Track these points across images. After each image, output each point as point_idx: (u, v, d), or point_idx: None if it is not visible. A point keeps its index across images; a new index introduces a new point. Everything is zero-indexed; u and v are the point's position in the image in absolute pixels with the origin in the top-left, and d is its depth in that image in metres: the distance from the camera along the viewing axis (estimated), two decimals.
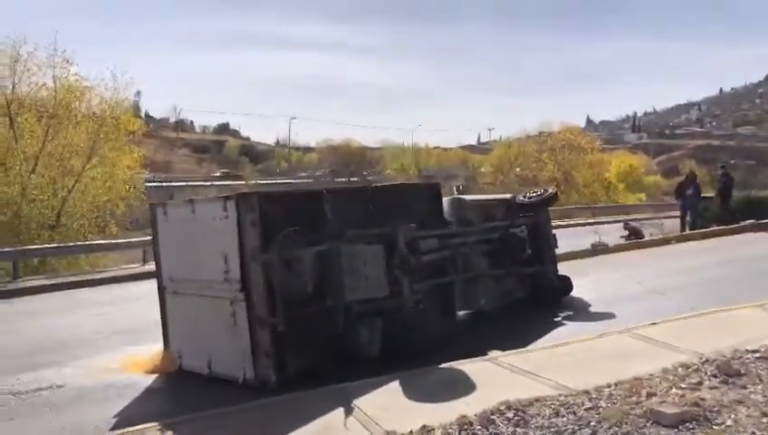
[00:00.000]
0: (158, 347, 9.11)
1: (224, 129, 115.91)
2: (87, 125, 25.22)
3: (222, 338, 7.78)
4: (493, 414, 5.27)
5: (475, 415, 5.36)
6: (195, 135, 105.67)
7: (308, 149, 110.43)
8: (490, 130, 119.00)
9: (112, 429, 6.38)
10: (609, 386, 5.59)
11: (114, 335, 10.72)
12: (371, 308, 8.05)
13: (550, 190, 11.48)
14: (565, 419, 4.91)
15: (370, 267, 7.96)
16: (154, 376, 8.25)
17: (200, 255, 8.00)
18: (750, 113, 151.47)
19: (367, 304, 7.99)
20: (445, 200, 9.88)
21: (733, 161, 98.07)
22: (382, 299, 8.09)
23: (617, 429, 4.63)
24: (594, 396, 5.34)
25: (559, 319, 9.48)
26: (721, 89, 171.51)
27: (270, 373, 7.33)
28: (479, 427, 5.10)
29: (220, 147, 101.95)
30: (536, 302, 10.47)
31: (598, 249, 15.51)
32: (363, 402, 6.23)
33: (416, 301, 8.40)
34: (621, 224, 19.82)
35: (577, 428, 4.66)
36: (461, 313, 9.98)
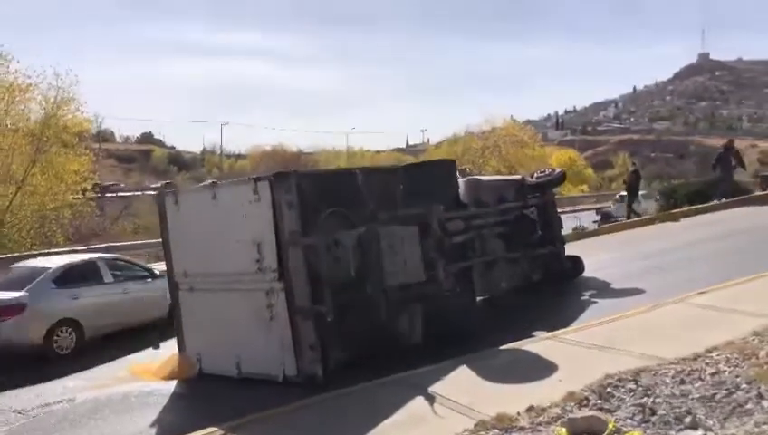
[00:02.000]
0: (164, 352, 8.38)
1: (147, 138, 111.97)
2: (30, 127, 23.03)
3: (254, 334, 7.10)
4: (606, 387, 4.90)
5: (585, 390, 4.99)
6: (117, 145, 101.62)
7: (239, 156, 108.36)
8: (423, 130, 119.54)
9: None
10: (712, 351, 5.32)
11: (99, 344, 9.80)
12: (410, 294, 7.56)
13: (557, 170, 11.30)
14: (698, 385, 4.59)
15: (407, 251, 7.49)
16: (173, 383, 7.45)
17: (224, 244, 7.27)
18: (662, 109, 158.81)
19: (405, 289, 7.50)
20: (461, 181, 9.50)
21: (653, 154, 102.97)
22: (419, 284, 7.62)
23: None
24: (709, 361, 5.05)
25: (586, 297, 9.25)
26: (635, 87, 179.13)
27: (316, 368, 6.73)
28: (600, 401, 4.72)
29: (146, 156, 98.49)
30: (552, 283, 10.21)
31: (581, 233, 15.53)
32: (440, 389, 5.77)
33: (451, 285, 8.00)
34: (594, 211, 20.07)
35: (726, 391, 4.33)
36: (479, 297, 9.60)
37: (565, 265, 10.63)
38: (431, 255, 7.77)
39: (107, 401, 7.04)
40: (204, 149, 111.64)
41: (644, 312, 7.27)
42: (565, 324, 7.63)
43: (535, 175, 10.93)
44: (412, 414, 5.32)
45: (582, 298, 9.23)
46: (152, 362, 8.23)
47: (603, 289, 9.51)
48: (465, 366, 6.36)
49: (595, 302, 8.85)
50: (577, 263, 10.73)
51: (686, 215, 15.95)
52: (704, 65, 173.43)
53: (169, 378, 7.63)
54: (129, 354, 8.99)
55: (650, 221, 16.20)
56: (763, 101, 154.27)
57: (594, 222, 18.02)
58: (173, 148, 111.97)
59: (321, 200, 7.07)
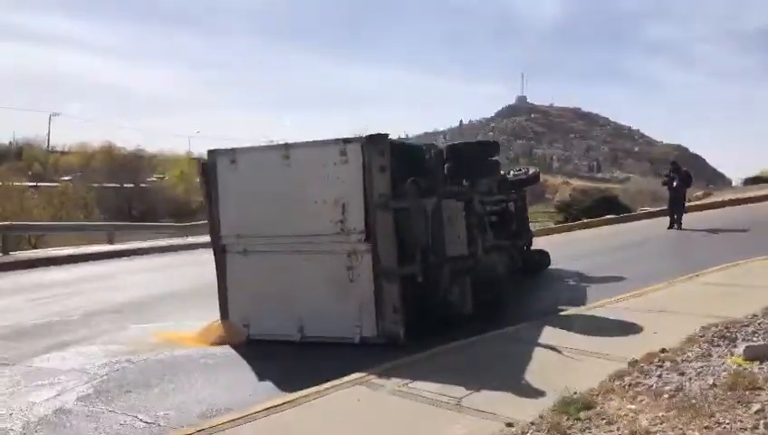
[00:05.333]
0: (188, 321, 7.99)
1: None
2: None
3: (325, 297, 7.06)
4: (726, 329, 5.74)
5: (700, 335, 5.77)
6: None
7: (64, 153, 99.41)
8: (270, 141, 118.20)
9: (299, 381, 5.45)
10: None
11: (113, 313, 9.15)
12: (461, 266, 7.95)
13: (532, 171, 12.25)
14: None
15: (459, 225, 7.90)
16: (226, 348, 7.13)
17: (296, 206, 7.18)
18: None
19: (457, 261, 7.88)
20: None
21: None
22: (464, 257, 8.05)
23: None
24: None
25: (575, 283, 10.18)
26: (461, 121, 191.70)
27: (398, 329, 6.87)
28: (725, 341, 5.52)
29: None
30: (525, 272, 11.07)
31: None
32: (548, 342, 6.25)
33: (488, 260, 8.51)
34: None
35: None
36: None
37: (535, 258, 11.60)
38: (473, 231, 8.25)
39: (172, 360, 6.60)
40: (13, 141, 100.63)
41: (662, 288, 8.31)
42: (582, 303, 8.42)
43: (512, 173, 11.83)
44: (547, 359, 5.74)
45: (573, 283, 10.16)
46: (182, 331, 7.78)
47: (582, 278, 10.50)
48: (547, 326, 6.91)
49: (588, 286, 9.77)
50: (544, 256, 11.74)
51: (587, 226, 17.85)
52: (521, 107, 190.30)
53: (216, 343, 7.28)
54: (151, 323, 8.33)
55: (556, 230, 17.86)
56: (569, 144, 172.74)
57: None
58: None
59: (400, 168, 7.26)
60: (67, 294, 11.01)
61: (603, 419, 3.99)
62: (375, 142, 6.93)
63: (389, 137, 7.13)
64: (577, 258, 12.37)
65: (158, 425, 4.80)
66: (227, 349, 7.06)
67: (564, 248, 12.84)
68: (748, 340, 5.46)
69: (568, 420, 4.05)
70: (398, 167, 7.26)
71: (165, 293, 10.84)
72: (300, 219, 7.17)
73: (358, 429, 4.41)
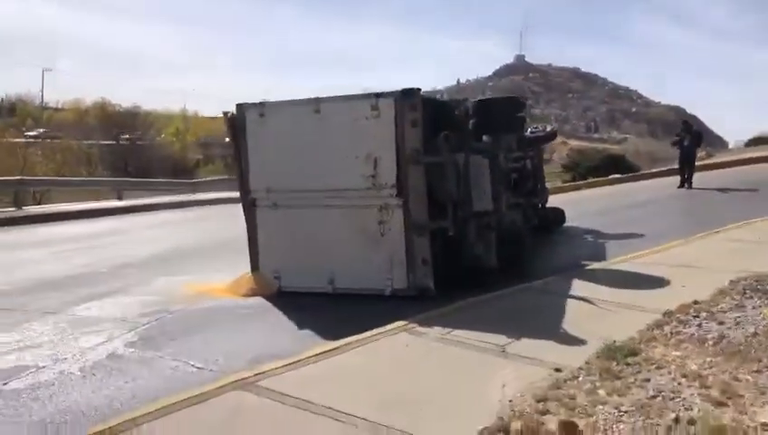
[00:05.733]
0: (219, 274, 8.11)
1: None
2: None
3: (356, 250, 7.18)
4: (756, 283, 5.89)
5: (731, 289, 5.94)
6: None
7: (57, 109, 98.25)
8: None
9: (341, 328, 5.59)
10: None
11: (139, 266, 9.26)
12: (485, 221, 8.05)
13: (549, 128, 12.27)
14: None
15: (484, 181, 7.96)
16: (259, 299, 7.26)
17: (327, 160, 7.23)
18: None
19: (483, 216, 7.97)
20: None
21: None
22: (487, 213, 8.14)
23: None
24: None
25: (592, 240, 10.32)
26: (458, 80, 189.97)
27: (428, 281, 7.02)
28: (759, 293, 5.67)
29: None
30: (541, 229, 11.19)
31: None
32: (580, 294, 6.40)
33: (511, 216, 8.62)
34: None
35: None
36: None
37: (550, 215, 11.71)
38: (497, 187, 8.32)
39: (209, 310, 6.76)
40: (5, 97, 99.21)
41: (683, 244, 8.47)
42: (603, 258, 8.57)
43: (529, 130, 11.83)
44: (581, 310, 5.89)
45: (591, 239, 10.30)
46: (212, 283, 7.91)
47: (599, 234, 10.62)
48: (575, 279, 7.07)
49: (606, 242, 9.90)
50: (559, 213, 11.84)
51: (595, 185, 17.95)
52: (519, 66, 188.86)
53: (247, 295, 7.41)
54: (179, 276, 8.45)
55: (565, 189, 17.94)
56: (566, 104, 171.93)
57: None
58: None
59: (430, 123, 7.29)
60: (88, 247, 11.11)
61: (652, 363, 4.15)
62: (407, 97, 6.95)
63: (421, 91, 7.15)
64: (590, 216, 12.46)
65: (211, 370, 4.93)
66: (260, 300, 7.20)
67: (576, 206, 12.90)
68: None
69: (617, 365, 4.21)
70: (428, 122, 7.30)
71: (185, 247, 10.95)
72: (330, 174, 7.23)
73: (411, 371, 4.55)
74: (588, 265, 8.08)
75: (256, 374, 4.46)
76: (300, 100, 7.61)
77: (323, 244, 7.35)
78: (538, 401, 3.76)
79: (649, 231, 10.13)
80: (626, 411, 3.46)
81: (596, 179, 17.81)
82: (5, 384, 4.66)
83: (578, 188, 17.59)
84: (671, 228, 10.07)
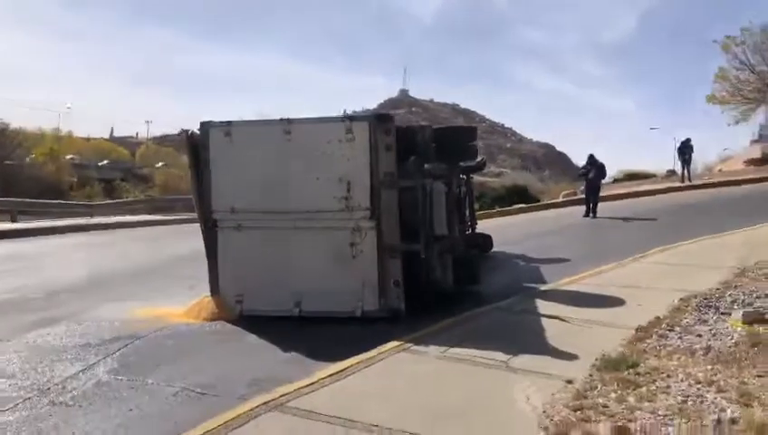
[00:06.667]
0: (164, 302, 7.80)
1: None
2: None
3: (326, 272, 7.15)
4: (707, 299, 6.51)
5: (685, 305, 6.50)
6: None
7: None
8: (148, 122, 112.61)
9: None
10: (727, 284, 7.29)
11: (74, 292, 8.63)
12: (442, 245, 8.29)
13: (480, 158, 12.74)
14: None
15: (442, 206, 8.23)
16: (221, 323, 7.03)
17: (297, 181, 7.20)
18: None
19: (441, 240, 8.21)
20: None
21: None
22: (444, 237, 8.40)
23: None
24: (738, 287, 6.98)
25: (524, 264, 10.83)
26: (344, 110, 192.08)
27: (400, 303, 7.13)
28: (711, 307, 6.27)
29: None
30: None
31: None
32: (550, 313, 6.75)
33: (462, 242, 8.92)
34: None
35: None
36: None
37: (479, 241, 12.18)
38: (452, 212, 8.63)
39: (180, 335, 6.47)
40: None
41: (615, 268, 9.11)
42: (543, 281, 9.00)
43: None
44: (558, 327, 6.21)
45: (523, 264, 10.80)
46: (166, 307, 7.56)
47: (528, 259, 11.16)
48: (536, 299, 7.44)
49: (538, 266, 10.41)
50: (487, 239, 12.34)
51: (504, 214, 18.83)
52: (404, 100, 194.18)
53: (208, 319, 7.15)
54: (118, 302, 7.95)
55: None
56: None
57: None
58: None
59: (402, 148, 7.45)
60: (4, 271, 10.19)
61: (661, 373, 4.49)
62: (382, 121, 7.11)
63: None
64: (511, 243, 13.03)
65: (215, 395, 4.75)
66: (226, 324, 6.97)
67: (494, 234, 13.48)
68: (728, 309, 6.24)
69: (628, 375, 4.51)
70: (401, 147, 7.46)
71: (110, 272, 10.34)
72: (300, 195, 7.20)
73: (432, 388, 4.62)
74: (534, 287, 8.49)
75: (281, 396, 4.35)
76: (269, 120, 7.56)
77: (290, 266, 7.26)
78: (575, 410, 3.97)
79: (573, 256, 10.77)
80: (664, 415, 3.73)
81: (506, 208, 18.69)
82: None
83: (490, 216, 18.37)
84: (591, 254, 10.77)
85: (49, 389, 4.79)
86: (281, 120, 7.41)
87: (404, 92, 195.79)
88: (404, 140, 7.88)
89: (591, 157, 16.55)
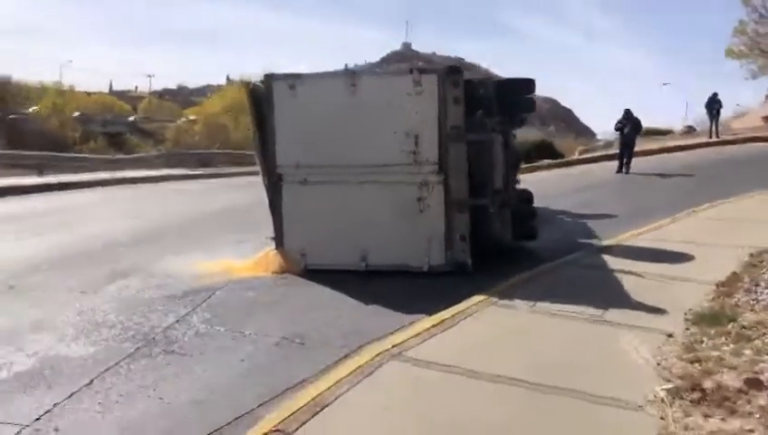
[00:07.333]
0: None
1: None
2: None
3: (392, 226, 7.14)
4: None
5: (762, 262, 6.52)
6: None
7: None
8: (150, 76, 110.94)
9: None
10: None
11: (130, 245, 8.63)
12: (501, 199, 8.26)
13: None
14: None
15: (500, 161, 8.18)
16: (291, 276, 7.06)
17: (364, 135, 7.12)
18: None
19: (500, 193, 8.18)
20: None
21: None
22: (501, 191, 8.37)
23: None
24: None
25: (570, 220, 10.79)
26: (346, 65, 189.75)
27: (466, 257, 7.14)
28: None
29: None
30: None
31: None
32: (620, 267, 6.78)
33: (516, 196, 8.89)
34: None
35: None
36: None
37: (523, 196, 12.08)
38: (509, 166, 8.57)
39: (256, 287, 6.50)
40: None
41: (671, 223, 9.12)
42: (597, 236, 8.95)
43: None
44: (635, 283, 6.22)
45: (569, 220, 10.77)
46: (231, 260, 7.59)
47: (573, 215, 11.10)
48: (603, 255, 7.46)
49: (586, 222, 10.39)
50: (529, 195, 12.21)
51: (534, 170, 18.69)
52: (406, 54, 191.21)
53: (276, 272, 7.17)
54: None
55: None
56: None
57: None
58: None
59: (469, 102, 7.35)
60: (51, 225, 10.19)
61: (766, 326, 4.51)
62: (452, 74, 7.00)
63: None
64: (549, 198, 13.00)
65: (317, 346, 4.79)
66: (295, 277, 7.00)
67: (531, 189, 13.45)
68: None
69: (732, 328, 4.55)
70: (469, 101, 7.35)
71: (157, 226, 10.30)
72: (367, 149, 7.13)
73: (537, 341, 4.68)
74: (590, 243, 8.50)
75: (393, 346, 4.40)
76: (335, 72, 7.45)
77: (356, 220, 7.24)
78: (691, 362, 4.01)
79: (618, 211, 10.74)
80: None
81: (534, 164, 18.55)
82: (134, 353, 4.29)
83: (520, 171, 18.20)
84: (638, 209, 10.75)
85: (154, 338, 4.83)
86: (346, 72, 7.30)
87: (407, 46, 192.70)
88: (468, 93, 7.80)
89: (627, 112, 16.34)
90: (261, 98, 7.42)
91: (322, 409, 3.43)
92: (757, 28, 39.62)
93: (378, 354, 4.25)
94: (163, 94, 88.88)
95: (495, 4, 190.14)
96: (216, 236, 9.29)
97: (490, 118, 7.80)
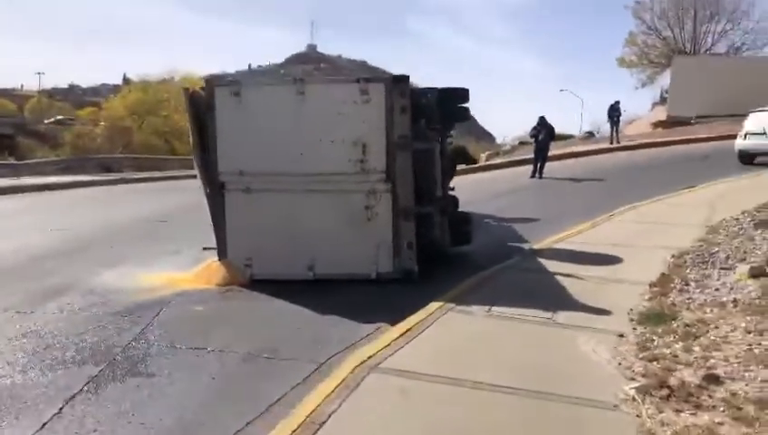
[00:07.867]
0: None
1: None
2: None
3: (339, 234, 7.17)
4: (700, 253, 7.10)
5: (679, 258, 7.06)
6: None
7: None
8: (39, 74, 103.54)
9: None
10: (709, 234, 7.93)
11: (61, 257, 8.21)
12: (440, 206, 8.46)
13: None
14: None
15: (438, 168, 8.39)
16: (238, 289, 6.93)
17: (310, 143, 7.12)
18: None
19: (440, 201, 8.38)
20: None
21: None
22: (440, 198, 8.59)
23: None
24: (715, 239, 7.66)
25: (495, 224, 11.15)
26: (249, 65, 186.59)
27: (413, 265, 7.27)
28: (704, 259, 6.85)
29: None
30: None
31: None
32: (554, 270, 7.14)
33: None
34: None
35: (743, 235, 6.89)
36: None
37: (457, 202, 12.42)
38: (445, 173, 8.80)
39: (204, 301, 6.34)
40: None
41: (591, 227, 9.62)
42: (525, 240, 9.30)
43: None
44: (575, 285, 6.55)
45: (495, 224, 11.13)
46: (171, 273, 7.36)
47: (498, 219, 11.50)
48: (538, 258, 7.80)
49: (511, 225, 10.76)
50: (456, 201, 12.57)
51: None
52: (311, 55, 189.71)
53: (221, 284, 7.02)
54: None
55: None
56: None
57: None
58: None
59: (413, 110, 7.46)
60: None
61: (707, 324, 4.91)
62: (398, 83, 7.12)
63: None
64: (472, 203, 13.41)
65: (287, 359, 4.76)
66: (243, 289, 6.87)
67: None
68: (725, 264, 6.82)
69: (676, 327, 4.92)
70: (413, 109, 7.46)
71: (76, 237, 9.77)
72: (314, 158, 7.13)
73: (498, 344, 4.88)
74: (520, 246, 8.86)
75: (369, 358, 4.45)
76: (281, 79, 7.39)
77: (303, 229, 7.22)
78: (650, 361, 4.32)
79: (539, 215, 11.22)
80: (739, 362, 4.13)
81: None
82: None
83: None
84: (557, 213, 11.27)
85: (115, 359, 4.64)
86: (294, 79, 7.26)
87: (312, 47, 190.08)
88: (412, 102, 7.94)
89: (542, 119, 17.07)
90: (201, 104, 7.25)
91: (321, 426, 3.43)
92: (646, 40, 42.59)
93: (356, 367, 4.28)
94: (53, 94, 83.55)
95: (399, 9, 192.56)
96: (146, 246, 8.96)
97: (432, 126, 8.01)
